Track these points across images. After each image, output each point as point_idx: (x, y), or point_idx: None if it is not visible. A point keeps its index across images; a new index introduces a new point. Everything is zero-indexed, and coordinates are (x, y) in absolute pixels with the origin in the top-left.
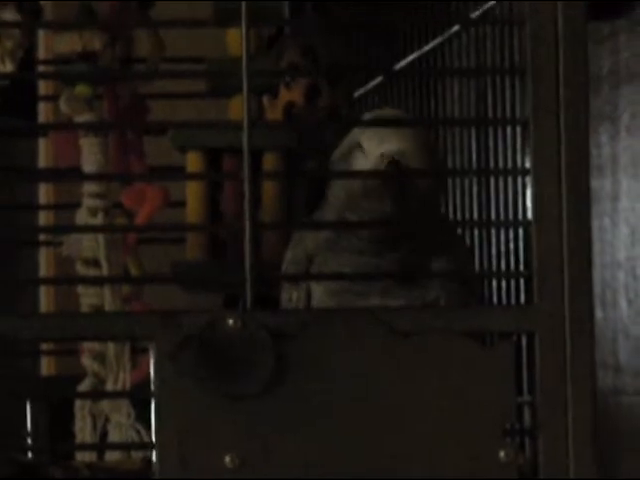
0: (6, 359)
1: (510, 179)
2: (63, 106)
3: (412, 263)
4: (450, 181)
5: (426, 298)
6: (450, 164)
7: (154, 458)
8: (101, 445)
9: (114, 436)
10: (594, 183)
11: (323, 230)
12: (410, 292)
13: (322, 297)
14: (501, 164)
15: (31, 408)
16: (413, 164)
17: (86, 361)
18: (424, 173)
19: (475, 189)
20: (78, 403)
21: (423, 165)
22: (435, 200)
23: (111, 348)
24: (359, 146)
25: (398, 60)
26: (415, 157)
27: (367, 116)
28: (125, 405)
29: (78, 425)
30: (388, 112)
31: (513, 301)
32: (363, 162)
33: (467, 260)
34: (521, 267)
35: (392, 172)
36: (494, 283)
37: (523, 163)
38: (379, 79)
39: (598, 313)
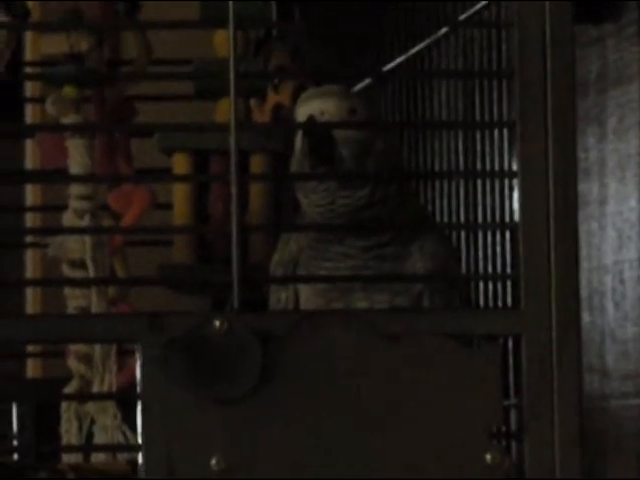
0: None
1: (497, 182)
2: (50, 108)
3: (393, 255)
4: (437, 183)
5: (409, 292)
6: (437, 166)
7: (140, 460)
8: (87, 447)
9: (100, 438)
10: (581, 187)
11: (306, 232)
12: (393, 285)
13: (309, 297)
14: (488, 167)
15: (17, 410)
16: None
17: (72, 363)
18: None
19: (462, 192)
20: (64, 405)
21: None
22: (390, 160)
23: (97, 350)
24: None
25: (386, 62)
26: (337, 115)
27: (309, 92)
28: (111, 407)
29: (64, 427)
30: (327, 86)
31: (500, 304)
32: (299, 133)
33: (447, 243)
34: (508, 270)
35: (307, 125)
36: (481, 286)
37: (510, 166)
38: (367, 81)
39: (585, 317)
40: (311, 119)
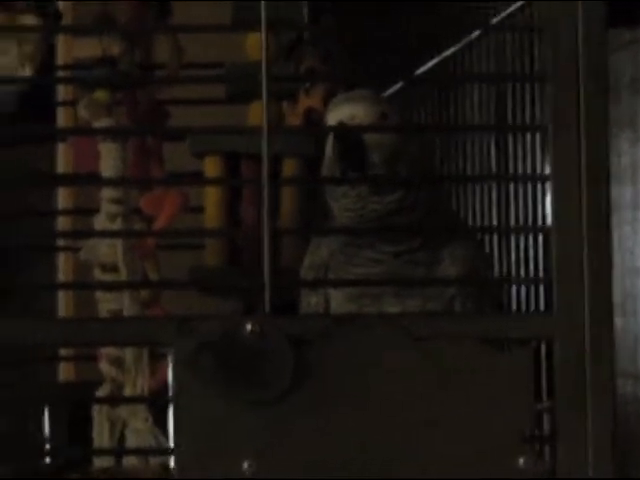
0: (25, 365)
1: (530, 186)
2: (82, 111)
3: (424, 260)
4: (470, 187)
5: (441, 297)
6: (469, 170)
7: (172, 464)
8: (119, 450)
9: (132, 441)
10: (614, 191)
11: (337, 237)
12: (425, 291)
13: (340, 302)
14: (520, 170)
15: (50, 413)
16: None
17: (104, 366)
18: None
19: (495, 195)
20: (96, 408)
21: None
22: (419, 162)
23: (129, 353)
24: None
25: (418, 66)
26: (368, 120)
27: (339, 97)
28: (143, 410)
29: (96, 430)
30: (357, 92)
31: (533, 309)
32: (330, 138)
33: (478, 247)
34: (541, 274)
35: (339, 130)
36: (514, 290)
37: (543, 169)
38: (399, 85)
39: (618, 321)
40: (342, 124)
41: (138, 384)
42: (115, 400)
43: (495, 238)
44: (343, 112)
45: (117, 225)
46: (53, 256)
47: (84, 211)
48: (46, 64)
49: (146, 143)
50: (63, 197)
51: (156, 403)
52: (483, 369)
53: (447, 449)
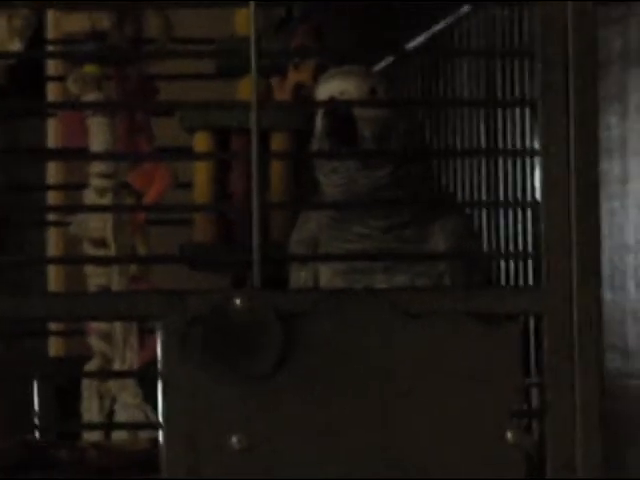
0: (14, 339)
1: (518, 161)
2: (71, 86)
3: (414, 236)
4: (459, 162)
5: (431, 273)
6: (459, 145)
7: (161, 438)
8: (108, 425)
9: (121, 416)
10: (603, 165)
11: (326, 211)
12: (414, 267)
13: (329, 277)
14: (509, 145)
15: (39, 388)
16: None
17: (93, 341)
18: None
19: (483, 170)
20: (85, 383)
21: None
22: (409, 137)
23: (118, 328)
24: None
25: (408, 40)
26: (357, 95)
27: (329, 72)
28: (132, 385)
29: (85, 405)
30: (347, 67)
31: (521, 284)
32: (319, 113)
33: (468, 222)
34: (530, 249)
35: (328, 105)
36: (502, 265)
37: (532, 144)
38: (388, 60)
39: (607, 295)
40: (332, 100)
41: (127, 359)
42: (104, 374)
43: (484, 213)
44: (333, 87)
45: (107, 200)
46: (43, 231)
47: (74, 186)
48: (36, 38)
49: (135, 118)
50: (53, 171)
51: (145, 377)
52: (471, 344)
53: (434, 422)
